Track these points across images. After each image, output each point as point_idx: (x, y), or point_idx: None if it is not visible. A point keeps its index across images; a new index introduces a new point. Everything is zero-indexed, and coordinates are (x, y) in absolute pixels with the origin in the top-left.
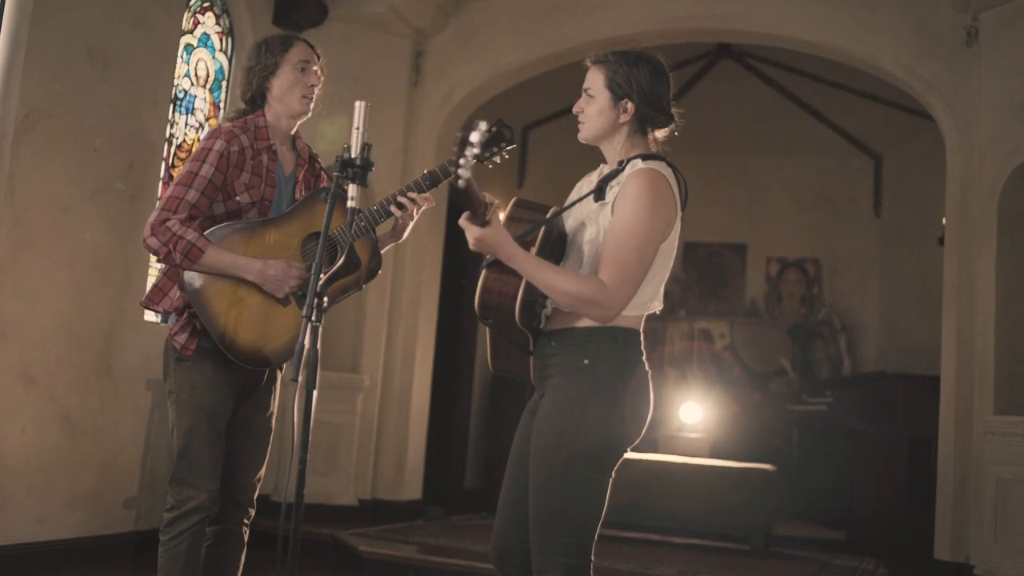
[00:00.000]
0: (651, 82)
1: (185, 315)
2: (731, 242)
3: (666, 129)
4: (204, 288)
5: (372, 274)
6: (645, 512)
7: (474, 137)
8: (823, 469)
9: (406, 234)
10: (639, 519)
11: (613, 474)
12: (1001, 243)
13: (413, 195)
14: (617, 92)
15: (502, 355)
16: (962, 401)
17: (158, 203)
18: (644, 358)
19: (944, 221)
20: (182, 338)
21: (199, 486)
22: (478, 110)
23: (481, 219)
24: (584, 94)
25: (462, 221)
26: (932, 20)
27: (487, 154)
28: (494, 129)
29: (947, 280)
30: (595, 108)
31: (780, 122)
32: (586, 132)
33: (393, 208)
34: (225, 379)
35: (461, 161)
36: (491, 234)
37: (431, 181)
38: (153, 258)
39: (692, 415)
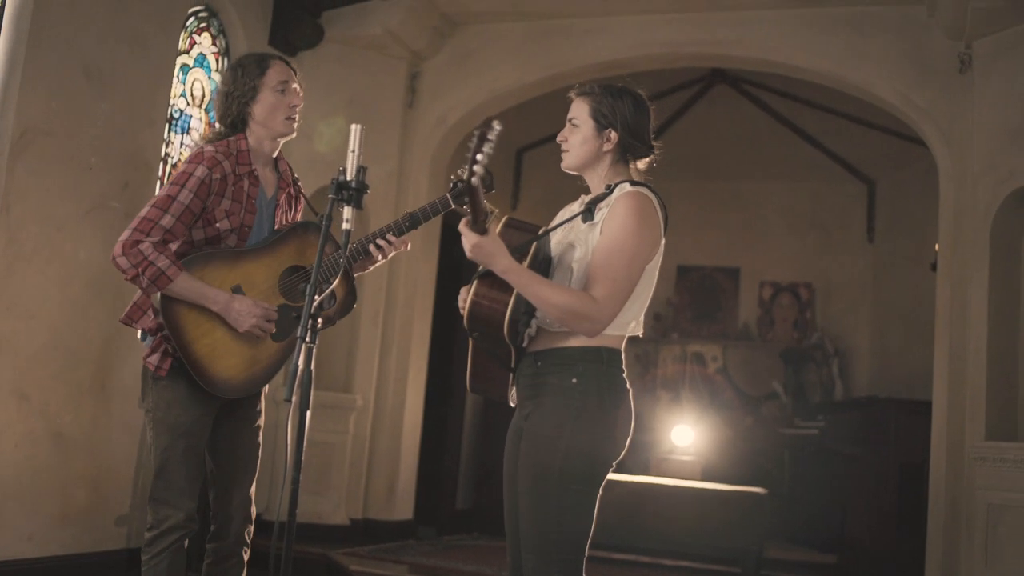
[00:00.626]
0: (634, 114)
1: (158, 337)
2: (724, 266)
3: (646, 160)
4: (178, 314)
5: (347, 310)
6: (636, 534)
7: (491, 135)
8: (815, 493)
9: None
10: (630, 540)
11: (600, 491)
12: (993, 269)
13: (391, 238)
14: (601, 122)
15: (480, 375)
16: (954, 426)
17: (132, 222)
18: (625, 375)
19: (937, 247)
20: (155, 359)
21: (176, 504)
22: (473, 133)
23: (480, 226)
24: (568, 124)
25: (461, 226)
26: (926, 48)
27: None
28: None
29: (939, 305)
30: (579, 137)
31: (774, 147)
32: (569, 160)
33: (372, 248)
34: (201, 397)
35: (478, 157)
36: (488, 243)
37: (411, 223)
38: None
39: (684, 438)
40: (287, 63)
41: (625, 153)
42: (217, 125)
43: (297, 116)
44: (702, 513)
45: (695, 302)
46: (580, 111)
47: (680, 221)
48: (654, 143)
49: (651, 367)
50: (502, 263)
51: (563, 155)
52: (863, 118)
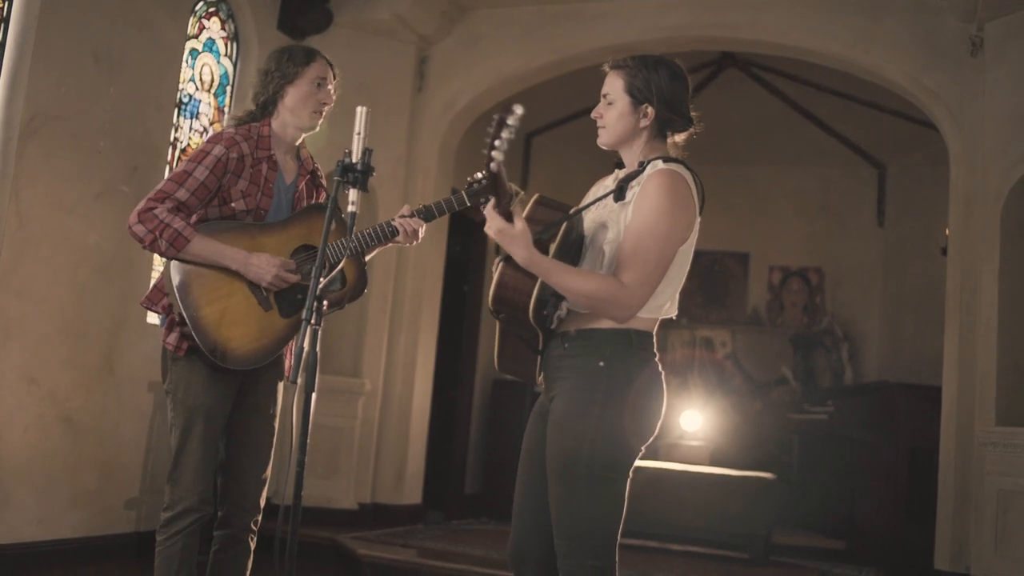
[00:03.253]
0: (671, 86)
1: (171, 316)
2: (733, 250)
3: (685, 133)
4: (189, 281)
5: (356, 295)
6: (644, 519)
7: (511, 120)
8: (823, 478)
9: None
10: (638, 526)
11: (631, 473)
12: (1004, 254)
13: (409, 220)
14: (637, 97)
15: (509, 355)
16: (963, 411)
17: (148, 194)
18: (657, 359)
19: (947, 231)
20: (172, 339)
21: (190, 487)
22: (482, 116)
23: (505, 208)
24: (603, 99)
25: (488, 209)
26: (937, 30)
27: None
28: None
29: (949, 290)
30: (615, 113)
31: (784, 131)
32: (606, 137)
33: (397, 221)
34: (220, 378)
35: (496, 143)
36: (513, 230)
37: (425, 215)
38: (157, 260)
39: (693, 423)
40: (331, 65)
41: (663, 128)
42: (227, 111)
43: (324, 113)
44: (710, 498)
45: (704, 287)
46: (614, 86)
47: None
48: (693, 114)
49: (660, 352)
50: (524, 253)
51: (599, 132)
52: (874, 102)
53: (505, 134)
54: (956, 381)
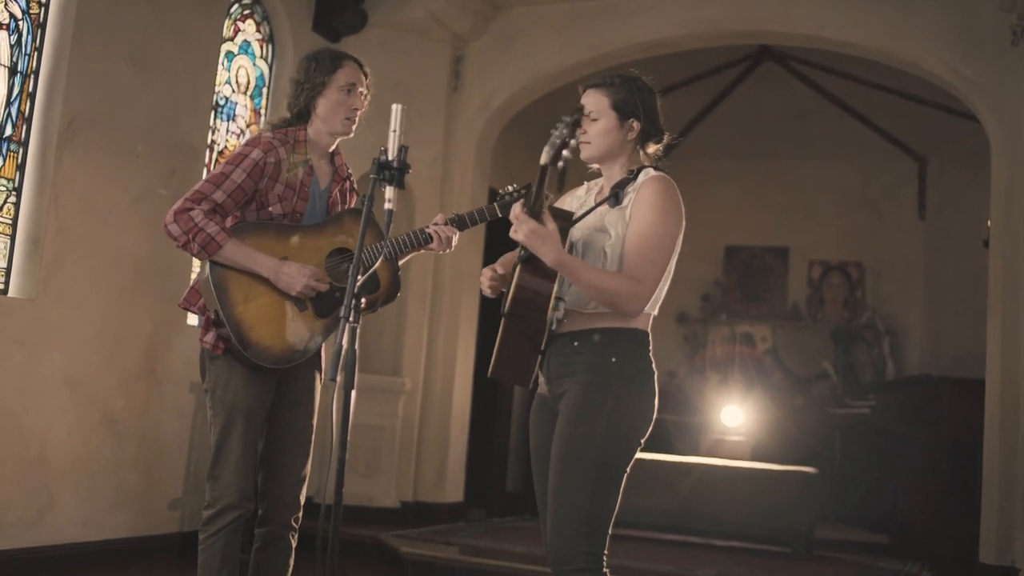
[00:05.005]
0: (650, 100)
1: (207, 315)
2: (773, 245)
3: (659, 144)
4: (225, 281)
5: (389, 299)
6: (686, 515)
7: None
8: (866, 472)
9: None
10: (680, 522)
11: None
12: None
13: (443, 228)
14: (624, 112)
15: (507, 359)
16: (1007, 404)
17: (185, 194)
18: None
19: (989, 223)
20: (210, 338)
21: (230, 484)
22: (517, 115)
23: (535, 210)
24: (584, 117)
25: (518, 211)
26: (976, 20)
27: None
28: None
29: (992, 283)
30: (600, 128)
31: (823, 124)
32: (590, 152)
33: (431, 229)
34: (259, 376)
35: (572, 143)
36: (546, 231)
37: (458, 223)
38: (195, 262)
39: (734, 419)
40: (360, 66)
41: (644, 140)
42: (263, 113)
43: (357, 119)
44: (753, 494)
45: (743, 282)
46: (598, 103)
47: (727, 201)
48: (663, 128)
49: (700, 348)
50: (554, 254)
51: (582, 147)
52: (913, 94)
53: (573, 143)
54: (999, 374)
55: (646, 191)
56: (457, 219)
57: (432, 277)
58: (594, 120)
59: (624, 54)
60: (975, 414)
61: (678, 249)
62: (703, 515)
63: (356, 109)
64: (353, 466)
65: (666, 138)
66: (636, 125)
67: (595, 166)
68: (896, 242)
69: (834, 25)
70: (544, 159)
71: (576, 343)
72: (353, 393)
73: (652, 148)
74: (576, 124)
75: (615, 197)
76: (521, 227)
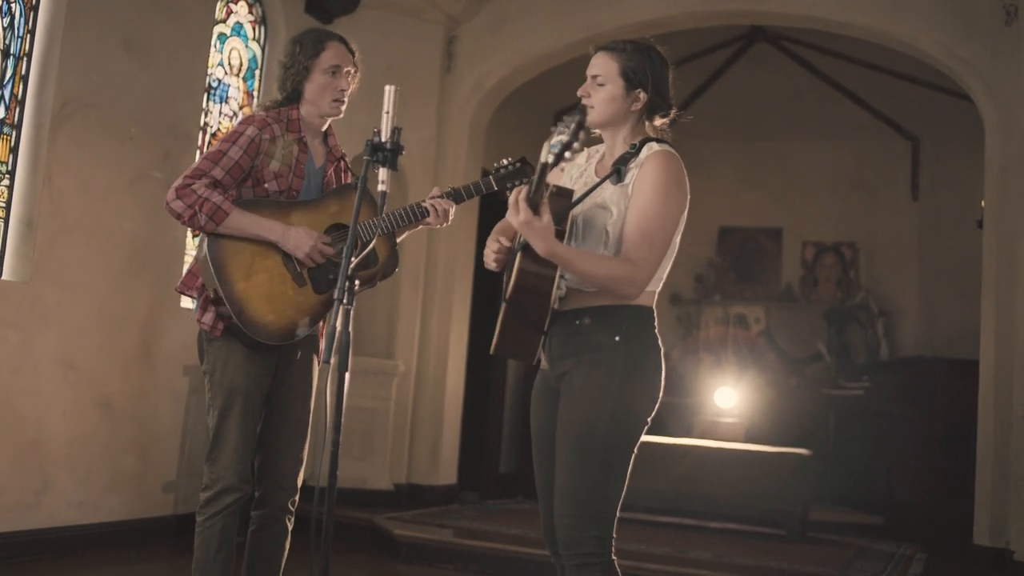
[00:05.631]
0: (661, 72)
1: (205, 295)
2: (766, 226)
3: (666, 118)
4: (223, 258)
5: (387, 274)
6: (680, 497)
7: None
8: (860, 454)
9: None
10: (674, 504)
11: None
12: None
13: (440, 201)
14: (632, 80)
15: (510, 338)
16: (1001, 385)
17: (183, 172)
18: (658, 332)
19: (983, 204)
20: (208, 318)
21: (229, 466)
22: (510, 96)
23: (535, 201)
24: (590, 80)
25: (519, 198)
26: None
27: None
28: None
29: (986, 263)
30: (606, 95)
31: (816, 105)
32: (593, 117)
33: (427, 204)
34: (257, 358)
35: (576, 145)
36: (539, 224)
37: (454, 197)
38: (190, 245)
39: (727, 400)
40: (346, 44)
41: (650, 112)
42: (256, 95)
43: (345, 99)
44: (746, 475)
45: (737, 263)
46: (608, 68)
47: (721, 182)
48: (671, 102)
49: (693, 330)
50: (545, 246)
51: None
52: (907, 74)
53: (577, 144)
54: (993, 355)
55: (649, 167)
56: (453, 192)
57: (425, 259)
58: (600, 85)
59: (617, 34)
60: (969, 395)
61: (682, 226)
62: (697, 497)
63: (343, 90)
64: (347, 449)
65: (673, 113)
66: (643, 96)
67: (596, 132)
68: (890, 222)
69: (828, 5)
70: (545, 158)
71: (578, 321)
72: (347, 376)
73: (659, 121)
74: (580, 126)
75: (617, 173)
76: (515, 217)
